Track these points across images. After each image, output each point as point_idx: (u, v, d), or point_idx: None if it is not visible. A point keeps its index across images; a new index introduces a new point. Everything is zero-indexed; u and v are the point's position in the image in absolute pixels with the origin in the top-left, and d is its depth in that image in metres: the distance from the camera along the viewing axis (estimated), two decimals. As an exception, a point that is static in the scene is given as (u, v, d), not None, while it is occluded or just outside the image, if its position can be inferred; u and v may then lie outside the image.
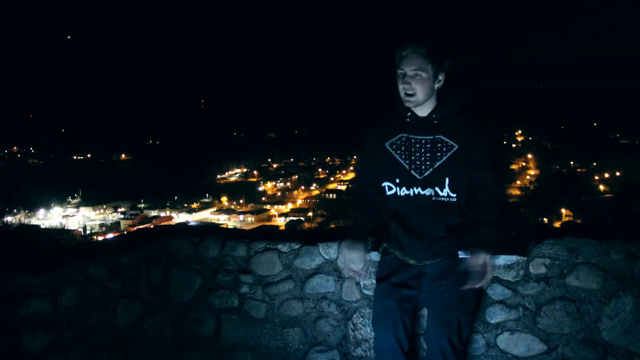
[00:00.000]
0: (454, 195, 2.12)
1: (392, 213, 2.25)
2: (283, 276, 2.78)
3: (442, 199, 2.13)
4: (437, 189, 2.13)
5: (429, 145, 2.14)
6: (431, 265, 2.19)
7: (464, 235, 2.17)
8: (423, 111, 2.16)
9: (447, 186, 2.12)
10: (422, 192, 2.14)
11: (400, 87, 2.11)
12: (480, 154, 2.10)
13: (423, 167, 2.14)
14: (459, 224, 2.16)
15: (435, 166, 2.12)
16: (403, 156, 2.17)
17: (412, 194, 2.16)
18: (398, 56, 2.12)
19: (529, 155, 73.85)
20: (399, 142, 2.20)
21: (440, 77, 2.11)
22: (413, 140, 2.17)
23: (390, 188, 2.21)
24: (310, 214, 54.47)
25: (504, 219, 2.13)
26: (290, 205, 63.75)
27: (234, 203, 65.06)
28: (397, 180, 2.18)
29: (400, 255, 2.25)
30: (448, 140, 2.12)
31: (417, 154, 2.15)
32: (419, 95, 2.09)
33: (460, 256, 2.14)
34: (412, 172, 2.15)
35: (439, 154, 2.13)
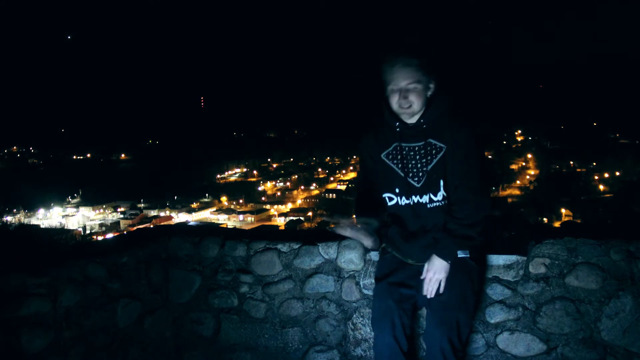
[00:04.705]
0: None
1: (391, 219, 2.28)
2: (283, 276, 2.78)
3: (437, 204, 2.15)
4: (431, 195, 2.14)
5: (422, 151, 2.15)
6: None
7: None
8: (412, 118, 2.17)
9: (441, 188, 2.13)
10: (420, 200, 2.16)
11: (395, 101, 2.10)
12: (458, 150, 2.09)
13: (420, 173, 2.15)
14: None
15: (427, 170, 2.13)
16: (400, 165, 2.19)
17: (411, 203, 2.18)
18: (388, 71, 2.09)
19: (529, 155, 73.88)
20: (394, 152, 2.21)
21: (431, 85, 2.13)
22: (407, 148, 2.18)
23: (391, 199, 2.23)
24: (310, 213, 54.44)
25: (472, 224, 2.06)
26: (290, 205, 63.73)
27: (234, 203, 65.03)
28: (397, 190, 2.20)
29: (399, 255, 2.26)
30: (437, 142, 2.13)
31: (413, 162, 2.16)
32: (415, 107, 2.11)
33: (459, 256, 2.14)
34: (410, 180, 2.17)
35: (429, 157, 2.13)
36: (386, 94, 2.14)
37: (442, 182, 2.13)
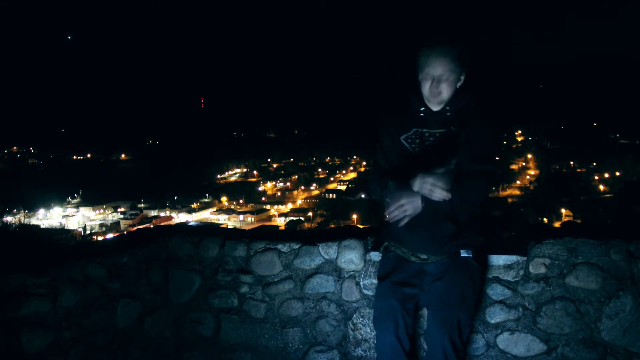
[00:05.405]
0: None
1: None
2: (283, 276, 2.78)
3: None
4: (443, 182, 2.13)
5: (441, 138, 2.17)
6: (432, 263, 2.20)
7: (467, 232, 2.17)
8: (438, 105, 2.20)
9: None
10: None
11: (427, 87, 2.15)
12: (473, 136, 2.11)
13: (434, 161, 2.15)
14: (463, 219, 2.15)
15: (440, 155, 2.14)
16: (417, 150, 2.20)
17: None
18: (425, 56, 2.13)
19: (529, 155, 73.86)
20: (413, 136, 2.22)
21: (462, 77, 2.17)
22: (427, 134, 2.20)
23: None
24: (310, 214, 54.43)
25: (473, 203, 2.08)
26: (290, 205, 63.68)
27: (234, 203, 65.01)
28: (410, 175, 2.19)
29: (402, 252, 2.26)
30: (457, 131, 2.15)
31: (430, 148, 2.18)
32: (444, 95, 2.14)
33: (462, 255, 2.14)
34: (424, 165, 2.16)
35: (445, 143, 2.15)
36: (419, 78, 2.19)
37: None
